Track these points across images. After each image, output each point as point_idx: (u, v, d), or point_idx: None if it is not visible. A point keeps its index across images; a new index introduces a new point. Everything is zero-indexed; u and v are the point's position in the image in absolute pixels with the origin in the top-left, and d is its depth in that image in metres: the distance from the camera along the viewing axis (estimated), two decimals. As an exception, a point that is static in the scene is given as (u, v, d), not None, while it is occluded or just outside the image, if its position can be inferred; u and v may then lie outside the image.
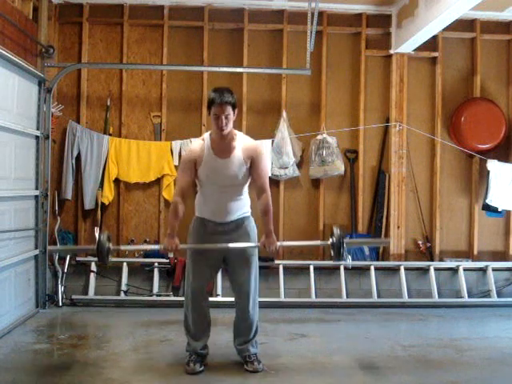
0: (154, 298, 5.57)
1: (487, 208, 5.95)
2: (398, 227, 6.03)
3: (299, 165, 5.98)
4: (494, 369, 3.82)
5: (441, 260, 6.08)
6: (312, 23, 5.19)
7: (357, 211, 6.08)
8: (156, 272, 5.68)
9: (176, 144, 5.88)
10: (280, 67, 6.00)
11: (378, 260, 6.01)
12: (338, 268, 5.80)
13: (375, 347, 4.23)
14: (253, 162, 3.50)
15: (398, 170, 6.04)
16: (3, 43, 4.40)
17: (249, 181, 3.59)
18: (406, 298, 5.71)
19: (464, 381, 3.56)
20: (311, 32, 5.22)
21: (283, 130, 5.83)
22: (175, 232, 3.48)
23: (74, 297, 5.49)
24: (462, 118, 6.00)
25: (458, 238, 6.22)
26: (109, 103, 5.94)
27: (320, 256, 6.04)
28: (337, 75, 6.14)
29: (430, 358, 4.02)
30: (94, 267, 5.63)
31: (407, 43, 5.69)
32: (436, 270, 5.89)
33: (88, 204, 5.79)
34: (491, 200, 5.86)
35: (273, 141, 5.87)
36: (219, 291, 5.55)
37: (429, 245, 6.07)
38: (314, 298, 5.64)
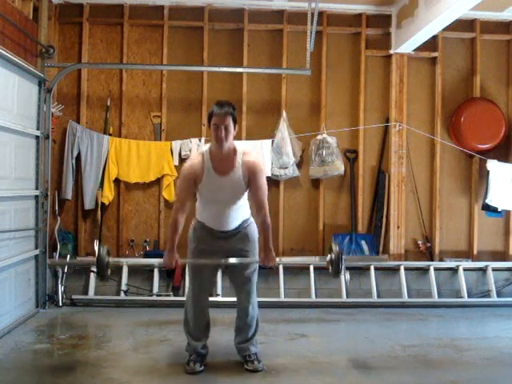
0: (154, 297, 5.57)
1: (487, 208, 5.95)
2: (398, 227, 6.03)
3: (299, 165, 5.98)
4: (494, 369, 3.82)
5: (441, 260, 6.09)
6: (312, 23, 5.19)
7: (357, 211, 6.08)
8: (156, 272, 5.68)
9: (176, 144, 5.88)
10: (280, 67, 6.00)
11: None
12: (337, 268, 5.80)
13: (375, 347, 4.23)
14: (252, 179, 3.46)
15: (397, 170, 6.04)
16: (3, 43, 4.40)
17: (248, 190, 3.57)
18: (405, 298, 5.71)
19: (464, 381, 3.57)
20: (311, 32, 5.22)
21: (283, 130, 5.84)
22: (175, 247, 3.48)
23: (74, 297, 5.49)
24: (462, 118, 6.00)
25: (458, 237, 6.22)
26: (109, 103, 5.94)
27: (320, 254, 6.04)
28: (337, 75, 6.14)
29: (429, 357, 4.02)
30: (93, 267, 5.62)
31: (407, 43, 5.70)
32: (436, 269, 5.89)
33: (88, 204, 5.80)
34: (491, 200, 5.86)
35: (273, 141, 5.87)
36: (219, 291, 5.55)
37: (429, 245, 6.08)
38: (313, 298, 5.64)
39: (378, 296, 5.75)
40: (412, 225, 6.14)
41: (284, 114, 5.93)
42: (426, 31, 5.27)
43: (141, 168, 5.88)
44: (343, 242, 5.95)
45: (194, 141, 5.87)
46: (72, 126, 5.80)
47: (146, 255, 5.85)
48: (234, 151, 3.46)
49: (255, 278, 3.69)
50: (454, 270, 5.96)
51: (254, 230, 3.67)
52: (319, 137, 5.93)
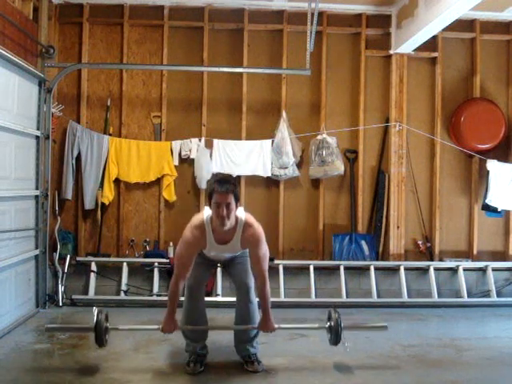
0: (154, 297, 5.57)
1: (487, 208, 5.95)
2: (398, 227, 6.03)
3: (299, 165, 5.99)
4: (494, 369, 3.83)
5: (440, 260, 6.09)
6: (312, 23, 5.19)
7: (356, 211, 6.08)
8: (156, 272, 5.68)
9: (176, 144, 5.88)
10: (280, 67, 6.00)
11: (377, 260, 6.02)
12: (337, 268, 5.80)
13: (375, 347, 4.23)
14: (251, 251, 3.54)
15: (397, 170, 6.05)
16: (3, 43, 4.41)
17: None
18: (405, 298, 5.71)
19: (464, 381, 3.57)
20: (311, 32, 5.22)
21: (283, 130, 5.84)
22: (174, 313, 3.54)
23: (74, 297, 5.49)
24: (462, 118, 6.00)
25: (458, 237, 6.23)
26: (109, 103, 5.94)
27: (320, 256, 6.05)
28: (337, 75, 6.14)
29: (429, 357, 4.02)
30: (94, 267, 5.63)
31: (407, 43, 5.70)
32: (436, 269, 5.89)
33: (88, 204, 5.80)
34: (491, 200, 5.86)
35: (273, 141, 5.87)
36: (219, 291, 5.55)
37: (428, 245, 6.08)
38: (313, 298, 5.64)
39: (378, 296, 5.75)
40: (412, 225, 6.15)
41: (284, 114, 5.93)
42: (425, 31, 5.27)
43: (141, 168, 5.88)
44: (343, 242, 5.95)
45: (194, 141, 5.88)
46: (72, 126, 5.80)
47: (146, 255, 5.85)
48: (235, 226, 3.48)
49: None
50: (454, 270, 5.96)
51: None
52: (319, 137, 5.93)
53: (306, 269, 5.79)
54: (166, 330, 3.53)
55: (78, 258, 5.71)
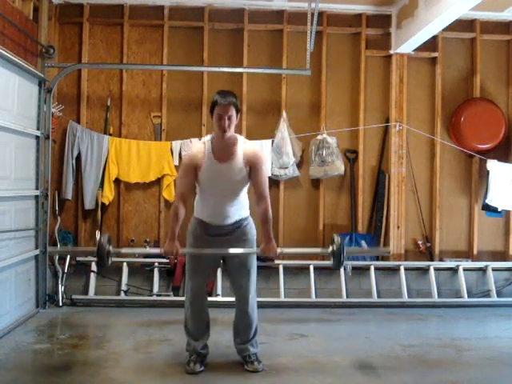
0: (154, 297, 5.57)
1: (487, 208, 5.95)
2: (398, 227, 6.03)
3: (299, 165, 5.99)
4: (494, 369, 3.82)
5: (440, 260, 6.09)
6: (312, 23, 5.19)
7: (357, 211, 6.08)
8: (156, 272, 5.68)
9: (176, 144, 5.88)
10: (280, 67, 6.00)
11: (377, 260, 6.02)
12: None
13: (375, 347, 4.23)
14: (253, 169, 3.48)
15: (397, 170, 6.05)
16: (3, 43, 4.41)
17: (248, 184, 3.58)
18: (405, 298, 5.71)
19: (464, 381, 3.57)
20: (311, 32, 5.22)
21: (283, 130, 5.84)
22: (176, 236, 3.48)
23: (74, 297, 5.49)
24: (462, 118, 6.00)
25: (458, 237, 6.22)
26: (109, 103, 5.94)
27: (320, 256, 6.04)
28: (337, 75, 6.14)
29: (429, 357, 4.02)
30: (94, 267, 5.63)
31: (407, 43, 5.70)
32: (436, 269, 5.89)
33: (88, 204, 5.80)
34: (491, 200, 5.86)
35: (273, 141, 5.87)
36: (219, 291, 5.55)
37: (428, 245, 6.08)
38: (313, 298, 5.64)
39: (378, 296, 5.75)
40: (412, 225, 6.14)
41: (284, 114, 5.93)
42: (425, 31, 5.27)
43: (141, 168, 5.88)
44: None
45: (194, 141, 5.86)
46: (72, 126, 5.80)
47: (146, 255, 5.84)
48: (236, 140, 3.51)
49: (254, 277, 3.69)
50: (454, 270, 5.96)
51: (252, 230, 3.67)
52: (319, 137, 5.93)
53: (306, 269, 5.79)
54: (168, 251, 3.44)
55: (78, 258, 5.70)
